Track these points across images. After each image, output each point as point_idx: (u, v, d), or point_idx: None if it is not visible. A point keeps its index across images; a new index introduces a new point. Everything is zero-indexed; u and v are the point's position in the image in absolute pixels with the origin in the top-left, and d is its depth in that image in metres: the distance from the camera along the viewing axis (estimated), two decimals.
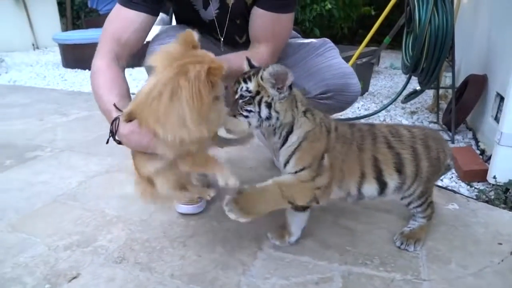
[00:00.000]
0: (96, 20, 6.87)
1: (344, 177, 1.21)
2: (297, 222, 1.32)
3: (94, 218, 1.51)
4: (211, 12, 1.49)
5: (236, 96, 1.16)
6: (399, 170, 1.23)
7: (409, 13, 2.49)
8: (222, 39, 1.54)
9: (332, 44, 1.55)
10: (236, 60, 1.31)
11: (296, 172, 1.17)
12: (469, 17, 3.00)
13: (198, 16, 1.51)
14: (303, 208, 1.30)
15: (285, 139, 1.19)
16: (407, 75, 2.66)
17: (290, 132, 1.18)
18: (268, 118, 1.15)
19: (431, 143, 1.28)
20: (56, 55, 6.67)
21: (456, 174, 1.93)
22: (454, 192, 1.74)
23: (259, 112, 1.14)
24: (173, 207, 1.55)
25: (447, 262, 1.25)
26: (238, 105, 1.15)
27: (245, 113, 1.14)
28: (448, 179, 1.90)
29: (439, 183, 1.84)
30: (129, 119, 1.08)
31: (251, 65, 1.23)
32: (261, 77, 1.13)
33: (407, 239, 1.34)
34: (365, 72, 3.48)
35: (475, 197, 1.70)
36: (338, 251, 1.30)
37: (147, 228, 1.43)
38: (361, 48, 3.39)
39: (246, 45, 1.59)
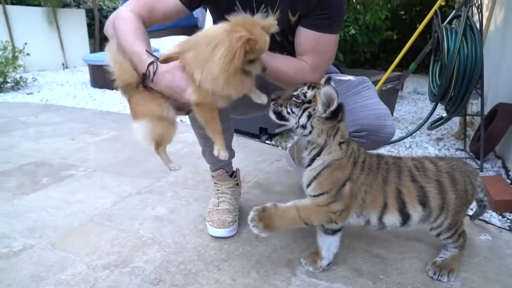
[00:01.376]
0: None
1: (365, 206, 1.24)
2: (327, 246, 1.35)
3: (130, 239, 1.55)
4: None
5: (294, 93, 1.24)
6: (423, 203, 1.24)
7: (436, 41, 2.52)
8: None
9: (370, 83, 1.57)
10: (280, 60, 1.40)
11: (314, 196, 1.23)
12: (496, 45, 3.00)
13: None
14: (333, 232, 1.33)
15: (312, 161, 1.24)
16: (434, 102, 2.67)
17: (318, 154, 1.23)
18: (304, 127, 1.23)
19: (457, 176, 1.28)
20: (84, 75, 6.93)
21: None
22: (486, 222, 1.72)
23: (299, 117, 1.22)
24: (205, 230, 1.59)
25: None
26: (290, 101, 1.24)
27: (289, 109, 1.24)
28: None
29: (469, 212, 1.83)
30: (165, 61, 1.21)
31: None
32: (319, 92, 1.20)
33: (440, 270, 1.33)
34: (389, 97, 3.50)
35: (508, 228, 1.68)
36: (371, 279, 1.31)
37: (181, 251, 1.46)
38: (387, 74, 3.42)
39: None
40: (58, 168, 2.35)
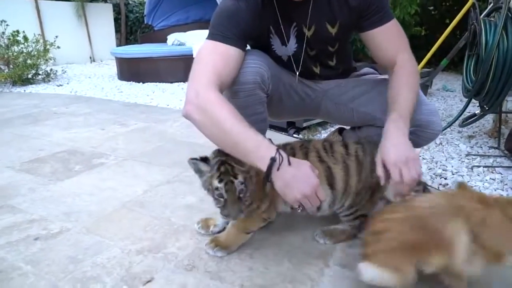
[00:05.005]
0: (150, 35, 7.20)
1: None
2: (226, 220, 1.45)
3: (162, 226, 1.57)
4: (291, 47, 1.54)
5: (236, 196, 1.21)
6: (331, 184, 1.33)
7: (472, 35, 2.45)
8: (298, 73, 1.61)
9: None
10: (407, 89, 1.35)
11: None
12: None
13: (275, 55, 1.57)
14: None
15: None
16: (467, 98, 2.60)
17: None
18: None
19: (366, 161, 1.34)
20: (110, 68, 7.06)
21: None
22: None
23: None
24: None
25: None
26: (241, 203, 1.23)
27: (247, 203, 1.27)
28: None
29: None
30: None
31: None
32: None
33: (322, 233, 1.45)
34: None
35: None
36: None
37: None
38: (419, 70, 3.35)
39: (321, 75, 1.65)
40: (89, 156, 2.40)
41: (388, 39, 1.43)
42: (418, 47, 6.92)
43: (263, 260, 1.34)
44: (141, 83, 5.42)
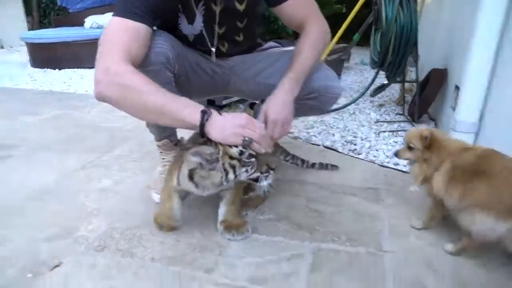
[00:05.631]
0: (66, 18, 6.72)
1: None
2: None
3: (74, 212, 1.53)
4: (198, 26, 1.53)
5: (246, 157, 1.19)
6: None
7: (377, 12, 2.62)
8: (214, 50, 1.60)
9: None
10: (306, 54, 1.44)
11: None
12: (432, 15, 3.16)
13: (182, 34, 1.55)
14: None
15: None
16: (375, 70, 2.79)
17: None
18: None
19: None
20: (22, 55, 6.50)
21: None
22: None
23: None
24: (151, 198, 1.59)
25: (406, 236, 1.37)
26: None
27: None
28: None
29: (400, 166, 1.96)
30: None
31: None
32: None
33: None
34: (335, 67, 3.60)
35: None
36: (308, 231, 1.39)
37: (126, 218, 1.47)
38: (331, 45, 3.51)
39: (227, 53, 1.66)
40: None
41: (298, 9, 1.50)
42: (339, 24, 7.21)
43: (175, 233, 1.37)
44: (57, 69, 5.08)
